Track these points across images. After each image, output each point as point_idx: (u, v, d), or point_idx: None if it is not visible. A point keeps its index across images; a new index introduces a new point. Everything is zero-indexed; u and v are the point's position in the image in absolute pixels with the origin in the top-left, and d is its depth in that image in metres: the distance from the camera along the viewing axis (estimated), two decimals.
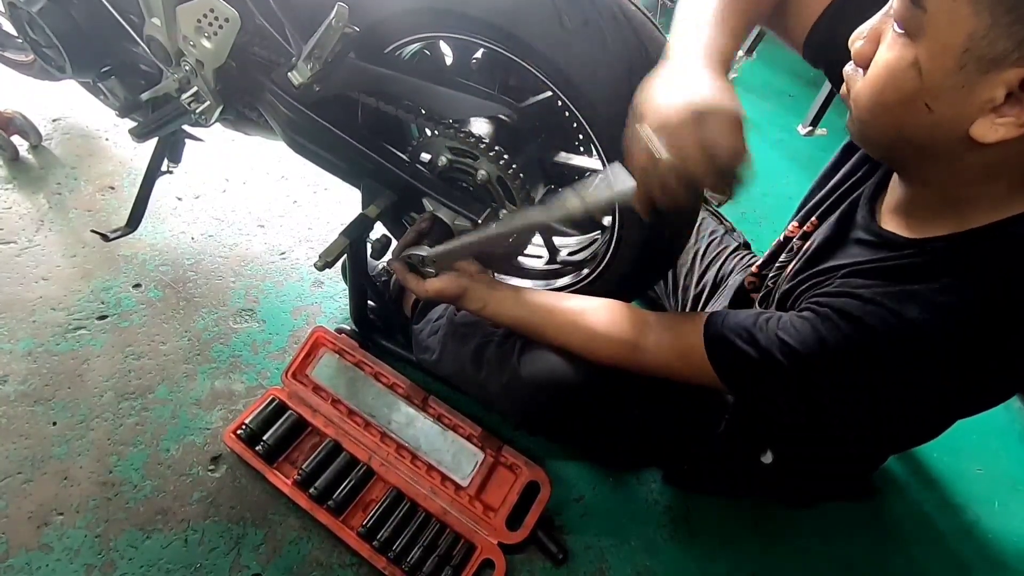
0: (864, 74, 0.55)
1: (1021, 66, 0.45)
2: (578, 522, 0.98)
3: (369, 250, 0.98)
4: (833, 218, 0.73)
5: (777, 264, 0.85)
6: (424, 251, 0.87)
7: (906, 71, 0.50)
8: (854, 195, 0.73)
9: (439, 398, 1.04)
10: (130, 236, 1.18)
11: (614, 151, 0.80)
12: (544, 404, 0.84)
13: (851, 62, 0.58)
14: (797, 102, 2.08)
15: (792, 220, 0.86)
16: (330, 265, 0.89)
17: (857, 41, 0.56)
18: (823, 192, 0.80)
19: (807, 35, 0.72)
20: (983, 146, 0.49)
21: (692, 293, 1.13)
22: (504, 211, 0.91)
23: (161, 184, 1.19)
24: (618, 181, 0.64)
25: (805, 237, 0.80)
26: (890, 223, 0.65)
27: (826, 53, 0.72)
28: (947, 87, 0.49)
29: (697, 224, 1.19)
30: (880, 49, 0.53)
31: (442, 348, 0.95)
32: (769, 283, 0.85)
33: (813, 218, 0.80)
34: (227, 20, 0.81)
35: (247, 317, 1.19)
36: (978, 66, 0.47)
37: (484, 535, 0.92)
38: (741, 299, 0.93)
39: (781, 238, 0.87)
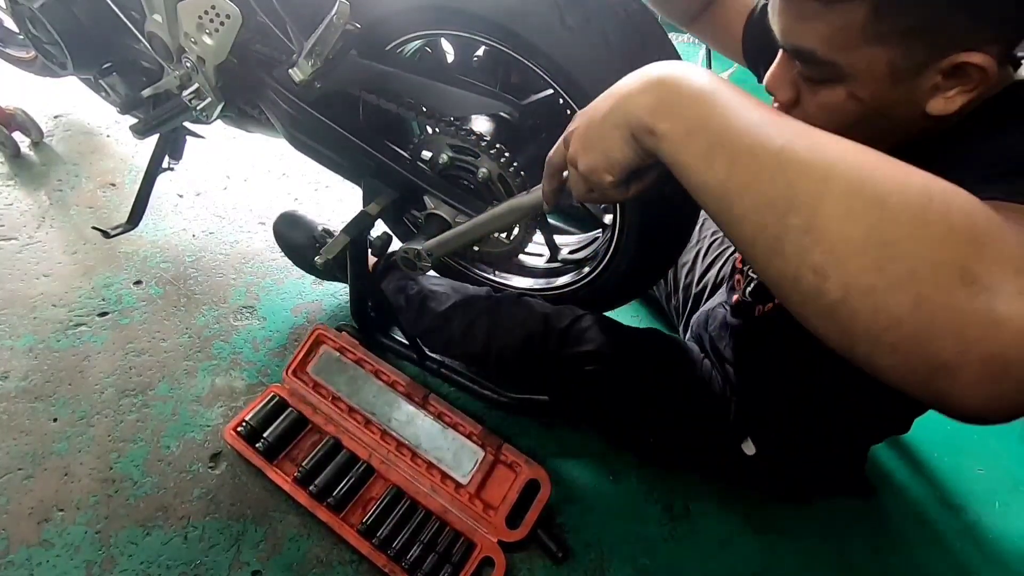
0: (800, 108, 0.57)
1: (943, 58, 0.49)
2: (578, 520, 0.98)
3: (370, 248, 0.98)
4: None
5: None
6: (420, 244, 0.88)
7: (846, 103, 0.53)
8: None
9: (439, 396, 1.04)
10: (131, 233, 1.18)
11: None
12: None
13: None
14: None
15: None
16: (331, 263, 0.89)
17: (776, 91, 0.58)
18: None
19: (743, 47, 0.76)
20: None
21: (693, 292, 1.13)
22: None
23: (162, 181, 1.19)
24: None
25: None
26: None
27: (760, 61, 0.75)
28: (890, 99, 0.52)
29: (699, 224, 1.19)
30: (805, 95, 0.56)
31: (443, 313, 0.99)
32: (752, 273, 0.86)
33: None
34: (228, 17, 0.81)
35: (248, 314, 1.19)
36: (910, 75, 0.50)
37: (484, 533, 0.92)
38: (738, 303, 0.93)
39: None
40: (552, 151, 0.61)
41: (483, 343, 0.94)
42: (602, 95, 0.51)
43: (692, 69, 0.46)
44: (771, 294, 0.77)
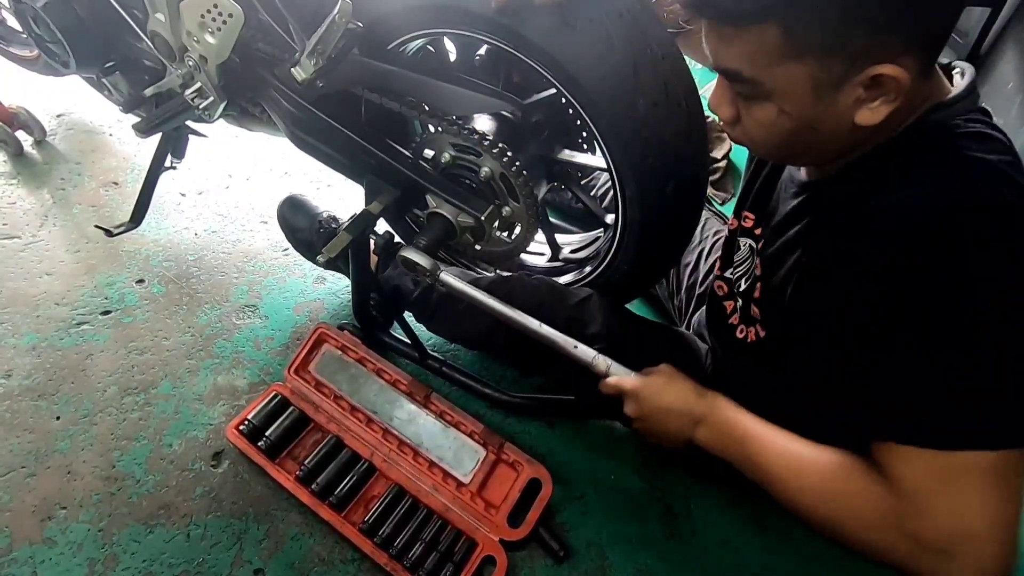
0: (741, 125, 0.63)
1: (860, 71, 0.52)
2: (579, 520, 0.98)
3: (372, 246, 0.98)
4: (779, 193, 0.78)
5: (736, 262, 0.85)
6: (428, 262, 0.85)
7: (778, 119, 0.58)
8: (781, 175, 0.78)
9: (441, 395, 1.04)
10: (134, 232, 1.19)
11: (616, 149, 0.80)
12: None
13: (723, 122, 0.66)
14: None
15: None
16: (333, 261, 0.89)
17: (718, 110, 0.64)
18: (756, 183, 0.83)
19: None
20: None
21: (696, 292, 1.12)
22: (507, 208, 0.91)
23: (164, 180, 1.20)
24: (616, 370, 0.82)
25: (745, 233, 0.83)
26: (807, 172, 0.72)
27: None
28: (818, 113, 0.56)
29: (701, 224, 1.19)
30: (743, 113, 0.61)
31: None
32: (737, 285, 0.84)
33: (746, 211, 0.82)
34: (231, 16, 0.81)
35: (250, 313, 1.20)
36: (832, 89, 0.54)
37: (485, 532, 0.92)
38: (715, 306, 0.91)
39: (727, 233, 0.88)
40: (619, 381, 0.81)
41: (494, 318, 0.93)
42: (668, 410, 0.76)
43: (725, 415, 0.72)
44: (759, 320, 0.78)
